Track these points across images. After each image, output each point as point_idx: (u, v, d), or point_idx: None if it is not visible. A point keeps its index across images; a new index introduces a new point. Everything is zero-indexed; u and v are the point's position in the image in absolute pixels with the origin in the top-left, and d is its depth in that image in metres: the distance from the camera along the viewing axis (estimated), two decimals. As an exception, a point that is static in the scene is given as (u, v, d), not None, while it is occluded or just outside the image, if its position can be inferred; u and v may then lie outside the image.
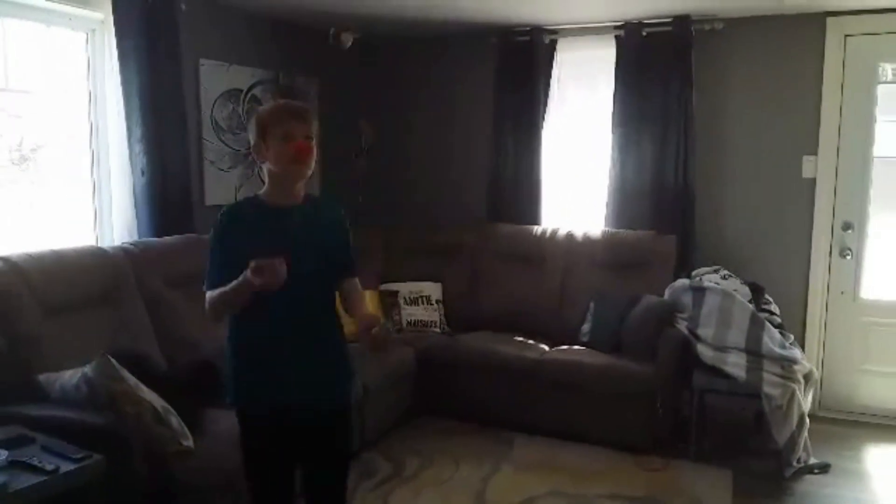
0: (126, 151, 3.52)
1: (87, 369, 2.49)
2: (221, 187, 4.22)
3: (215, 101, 4.13)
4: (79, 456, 2.19)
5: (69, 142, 3.56)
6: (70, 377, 2.54)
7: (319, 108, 4.96)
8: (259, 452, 2.21)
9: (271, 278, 1.92)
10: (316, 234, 2.20)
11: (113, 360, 2.51)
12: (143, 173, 3.56)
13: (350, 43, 4.48)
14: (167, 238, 3.56)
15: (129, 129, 3.50)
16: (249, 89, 4.37)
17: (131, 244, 3.39)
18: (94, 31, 3.51)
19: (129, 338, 3.03)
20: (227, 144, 4.23)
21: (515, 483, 3.40)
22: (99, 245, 3.49)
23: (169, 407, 2.58)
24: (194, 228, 3.79)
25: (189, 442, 2.54)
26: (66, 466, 2.14)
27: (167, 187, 3.69)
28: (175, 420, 2.55)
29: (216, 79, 4.13)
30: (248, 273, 1.93)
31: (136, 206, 3.60)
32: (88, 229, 3.62)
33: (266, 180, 2.19)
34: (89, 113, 3.57)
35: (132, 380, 2.53)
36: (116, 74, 3.44)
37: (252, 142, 2.17)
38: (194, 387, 2.97)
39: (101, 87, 3.55)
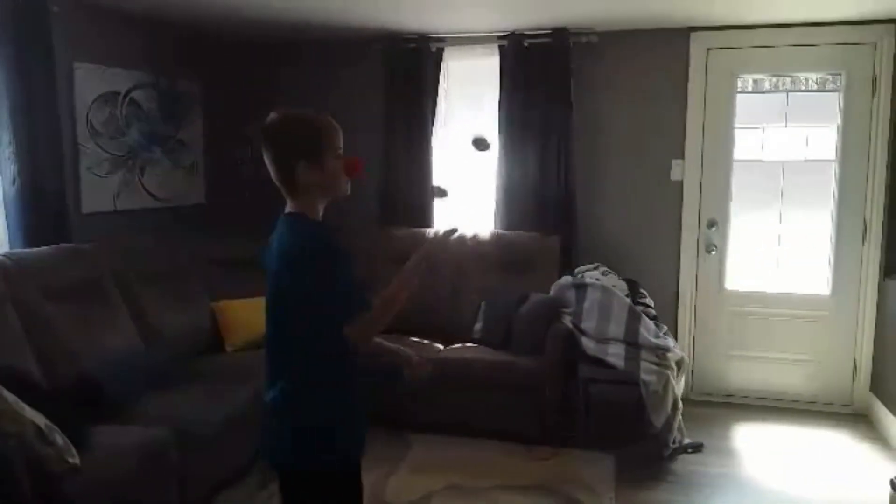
0: (-6, 158, 3.33)
1: (-39, 389, 2.35)
2: (99, 194, 4.05)
3: (91, 105, 3.96)
4: (-44, 480, 2.07)
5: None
6: (-59, 398, 2.38)
7: (203, 113, 4.86)
8: None
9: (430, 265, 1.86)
10: None
11: (-10, 378, 2.38)
12: (13, 181, 3.37)
13: None
14: (42, 248, 3.39)
15: (-3, 134, 3.31)
16: (128, 92, 4.21)
17: (4, 255, 3.19)
18: (-42, 31, 3.30)
19: (6, 354, 2.86)
20: (104, 149, 4.06)
21: (412, 482, 3.46)
22: (-34, 257, 3.27)
23: (52, 424, 2.46)
24: (70, 238, 3.63)
25: (75, 459, 2.44)
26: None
27: (40, 195, 3.51)
28: (59, 437, 2.44)
29: (92, 82, 3.96)
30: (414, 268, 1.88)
31: (6, 215, 3.41)
32: (-47, 241, 3.40)
33: (302, 199, 1.88)
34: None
35: (11, 398, 2.40)
36: (-17, 78, 3.25)
37: (295, 151, 1.84)
38: (77, 402, 2.86)
39: (-33, 92, 3.34)
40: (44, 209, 3.54)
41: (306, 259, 1.77)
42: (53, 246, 3.44)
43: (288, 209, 1.90)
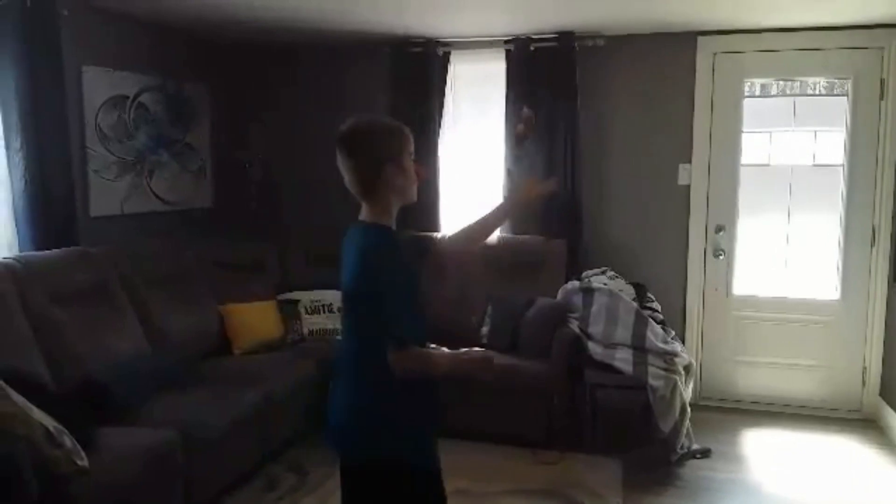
0: (4, 162, 3.34)
1: (-30, 391, 2.35)
2: (107, 198, 4.07)
3: (100, 109, 3.98)
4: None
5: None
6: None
7: (210, 116, 4.87)
8: None
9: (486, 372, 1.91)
10: None
11: (0, 381, 2.38)
12: (24, 185, 3.39)
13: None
14: (51, 252, 3.40)
15: (7, 138, 3.33)
16: (136, 96, 4.23)
17: (13, 259, 3.21)
18: (-31, 35, 3.32)
19: (14, 357, 2.87)
20: (112, 153, 4.08)
21: (420, 485, 3.45)
22: (-24, 260, 3.28)
23: (60, 427, 2.47)
24: (78, 241, 3.65)
25: (84, 461, 2.44)
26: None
27: (49, 199, 3.53)
28: (68, 440, 2.44)
29: (100, 85, 3.98)
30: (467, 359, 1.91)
31: (16, 219, 3.42)
32: (-37, 244, 3.41)
33: (382, 203, 1.90)
34: (-36, 123, 3.38)
35: (20, 400, 2.40)
36: (-7, 81, 3.27)
37: (384, 154, 1.87)
38: (85, 404, 2.86)
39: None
40: (52, 213, 3.55)
41: (380, 265, 1.82)
42: (62, 249, 3.45)
43: (365, 217, 1.92)
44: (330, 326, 4.40)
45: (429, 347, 1.94)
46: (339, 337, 2.04)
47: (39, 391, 2.71)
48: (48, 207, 3.53)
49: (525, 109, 2.23)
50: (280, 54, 5.03)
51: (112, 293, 3.53)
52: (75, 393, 2.93)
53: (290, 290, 4.45)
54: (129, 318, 3.55)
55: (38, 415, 2.43)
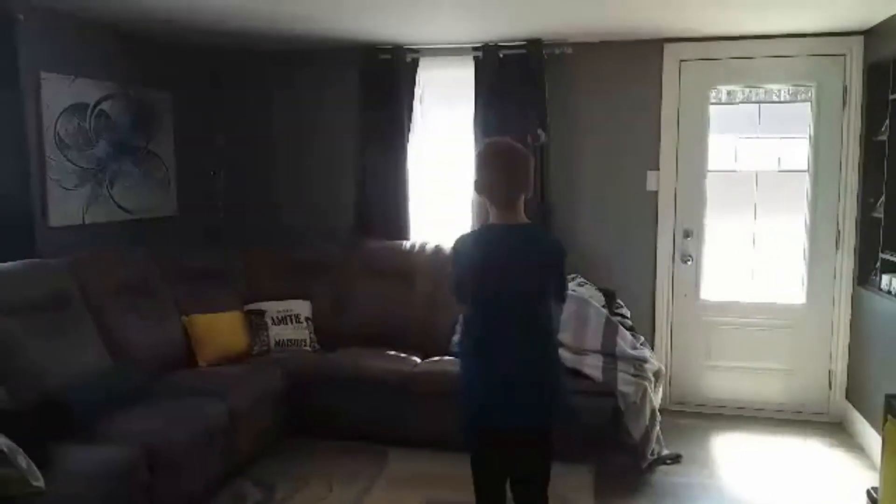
0: (-43, 170, 3.24)
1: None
2: (67, 207, 3.96)
3: (59, 116, 3.88)
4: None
5: None
6: None
7: (174, 124, 4.79)
8: None
9: None
10: None
11: (-52, 399, 2.30)
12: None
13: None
14: (7, 263, 3.29)
15: (-41, 146, 3.23)
16: (97, 103, 4.14)
17: (-35, 271, 3.11)
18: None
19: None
20: (72, 162, 3.98)
21: (390, 498, 3.41)
22: (-74, 273, 3.18)
23: (15, 446, 2.38)
24: (37, 252, 3.54)
25: (40, 482, 2.36)
26: None
27: (6, 209, 3.44)
28: (23, 459, 2.36)
29: (59, 93, 3.88)
30: None
31: (-30, 229, 3.31)
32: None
33: (520, 208, 2.36)
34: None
35: (-29, 418, 2.32)
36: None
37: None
38: (42, 422, 2.77)
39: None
40: (9, 223, 3.46)
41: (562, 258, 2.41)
42: (19, 261, 3.35)
43: (517, 219, 2.34)
44: (297, 337, 4.34)
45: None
46: (501, 339, 2.32)
47: (-7, 409, 2.63)
48: (5, 218, 3.43)
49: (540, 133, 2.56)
50: (246, 61, 4.96)
51: (71, 305, 3.44)
52: (31, 410, 2.83)
53: (257, 301, 4.37)
54: (88, 330, 3.46)
55: (-9, 433, 2.35)
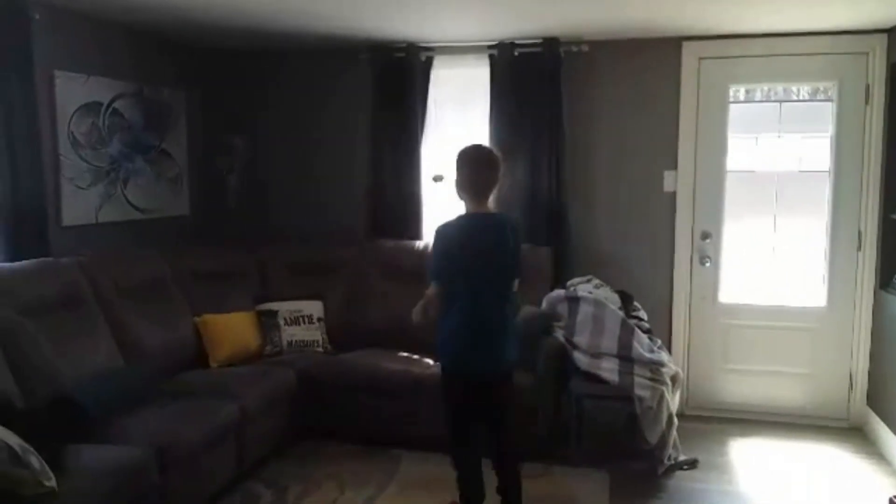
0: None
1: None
2: (81, 207, 3.96)
3: (73, 115, 3.88)
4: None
5: None
6: None
7: (187, 122, 4.78)
8: None
9: None
10: None
11: (-40, 399, 2.29)
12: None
13: None
14: (20, 263, 3.30)
15: (-26, 145, 3.23)
16: (111, 102, 4.14)
17: (-21, 270, 3.11)
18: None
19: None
20: (86, 161, 3.98)
21: (402, 502, 3.38)
22: (-59, 271, 3.18)
23: (27, 446, 2.37)
24: (50, 251, 3.54)
25: (52, 482, 2.35)
26: None
27: (20, 208, 3.44)
28: (35, 459, 2.34)
29: (73, 91, 3.88)
30: None
31: (-15, 228, 3.32)
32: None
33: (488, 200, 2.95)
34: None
35: (-17, 418, 2.31)
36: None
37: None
38: (55, 421, 2.77)
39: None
40: (24, 222, 3.46)
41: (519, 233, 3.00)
42: (32, 260, 3.35)
43: (489, 209, 2.96)
44: (309, 338, 4.31)
45: None
46: (479, 304, 2.86)
47: (6, 408, 2.62)
48: (19, 217, 3.43)
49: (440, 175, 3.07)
50: (260, 60, 4.95)
51: (84, 305, 3.43)
52: (44, 409, 2.83)
53: (269, 301, 4.35)
54: (101, 330, 3.46)
55: (3, 433, 2.33)
